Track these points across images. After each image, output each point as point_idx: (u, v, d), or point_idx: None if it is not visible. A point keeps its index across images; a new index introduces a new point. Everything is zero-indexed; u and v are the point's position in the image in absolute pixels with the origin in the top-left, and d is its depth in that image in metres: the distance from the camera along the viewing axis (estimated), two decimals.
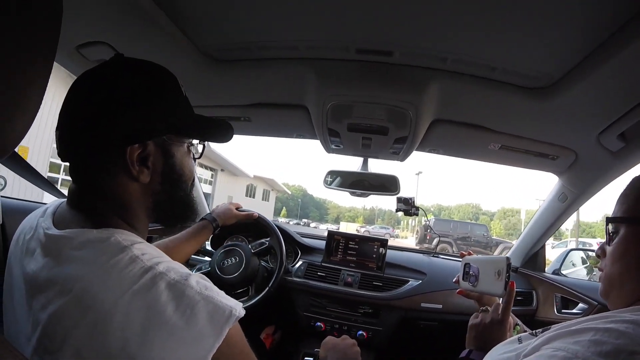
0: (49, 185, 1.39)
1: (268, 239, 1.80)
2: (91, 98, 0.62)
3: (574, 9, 0.67)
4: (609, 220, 0.74)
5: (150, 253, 0.57)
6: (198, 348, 0.52)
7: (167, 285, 0.53)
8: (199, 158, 0.78)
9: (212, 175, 20.92)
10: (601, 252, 0.78)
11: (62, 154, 0.64)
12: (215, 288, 0.58)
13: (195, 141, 0.76)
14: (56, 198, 0.93)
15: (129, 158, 0.61)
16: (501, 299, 0.95)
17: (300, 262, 1.96)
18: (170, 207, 0.71)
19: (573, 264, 2.08)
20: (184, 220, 0.77)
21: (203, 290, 0.55)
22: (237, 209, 1.54)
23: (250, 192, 28.97)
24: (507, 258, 0.92)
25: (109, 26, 0.87)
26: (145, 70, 0.68)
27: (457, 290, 1.08)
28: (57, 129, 0.64)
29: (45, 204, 0.78)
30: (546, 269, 1.96)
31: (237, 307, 0.57)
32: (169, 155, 0.68)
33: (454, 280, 1.10)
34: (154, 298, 0.51)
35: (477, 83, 0.95)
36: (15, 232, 0.71)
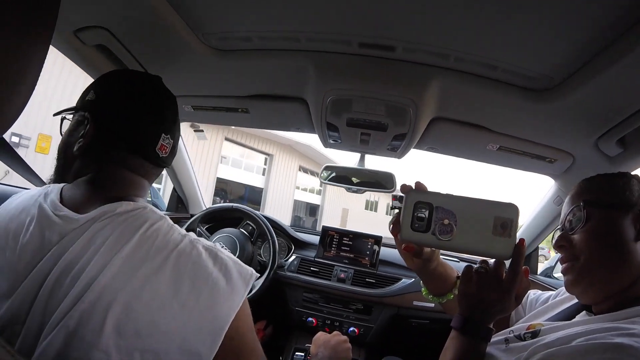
0: (34, 175, 1.37)
1: (253, 223, 1.89)
2: (133, 101, 0.74)
3: (579, 12, 0.67)
4: (588, 203, 0.73)
5: (176, 225, 0.68)
6: (235, 296, 0.63)
7: (204, 247, 0.65)
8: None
9: (321, 185, 18.33)
10: (566, 242, 0.76)
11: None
12: (234, 256, 0.69)
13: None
14: None
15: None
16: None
17: (293, 257, 1.96)
18: None
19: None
20: None
21: (229, 255, 0.68)
22: None
23: (371, 205, 26.23)
24: (516, 206, 0.67)
25: (108, 11, 0.86)
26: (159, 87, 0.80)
27: (403, 246, 0.75)
28: None
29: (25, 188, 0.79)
30: (538, 271, 1.97)
31: (253, 270, 0.69)
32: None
33: (390, 228, 0.77)
34: (197, 255, 0.62)
35: (478, 82, 0.94)
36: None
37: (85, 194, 0.69)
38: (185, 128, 1.64)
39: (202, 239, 0.66)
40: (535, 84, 0.92)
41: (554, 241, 0.81)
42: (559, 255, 1.84)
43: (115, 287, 0.55)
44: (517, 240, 0.65)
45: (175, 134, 0.79)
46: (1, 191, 1.30)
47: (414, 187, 0.71)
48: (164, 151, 0.76)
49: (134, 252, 0.58)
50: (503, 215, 0.65)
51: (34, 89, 0.38)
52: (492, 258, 0.70)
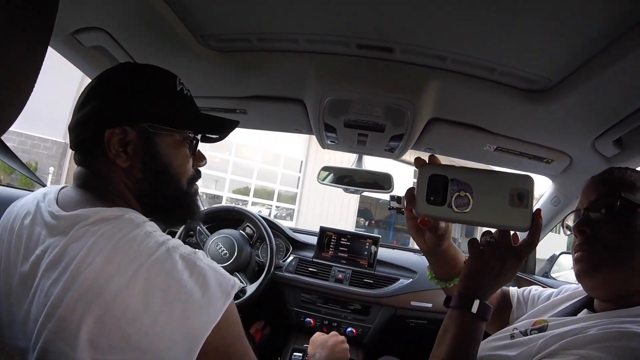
0: (33, 175, 1.37)
1: (252, 225, 1.88)
2: (87, 91, 0.71)
3: (576, 15, 0.67)
4: (625, 194, 0.70)
5: (159, 230, 0.63)
6: (210, 309, 0.59)
7: (181, 256, 0.60)
8: (193, 154, 0.78)
9: None
10: (589, 227, 0.73)
11: (70, 143, 0.72)
12: (216, 263, 0.65)
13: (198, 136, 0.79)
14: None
15: (106, 141, 0.66)
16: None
17: (291, 257, 1.97)
18: (156, 199, 0.73)
19: (562, 267, 2.10)
20: (177, 219, 0.81)
21: (210, 263, 0.63)
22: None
23: None
24: (531, 177, 0.66)
25: (106, 12, 0.86)
26: (138, 67, 0.76)
27: (419, 220, 0.72)
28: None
29: (31, 191, 0.78)
30: (536, 271, 1.97)
31: (236, 280, 0.65)
32: (151, 144, 0.70)
33: (404, 201, 0.74)
34: (172, 265, 0.58)
35: (476, 83, 0.94)
36: (4, 219, 0.72)
37: (74, 195, 0.68)
38: None
39: (182, 247, 0.62)
40: (533, 86, 0.92)
41: (571, 223, 0.78)
42: (555, 256, 1.82)
43: (86, 300, 0.53)
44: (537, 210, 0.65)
45: None
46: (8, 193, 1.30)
47: (427, 161, 0.70)
48: None
49: (105, 265, 0.55)
50: (519, 187, 0.64)
51: (32, 90, 0.38)
52: (509, 229, 0.69)
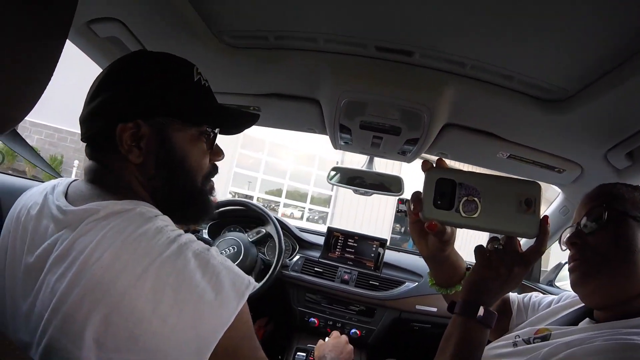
0: (49, 167, 1.38)
1: (265, 227, 1.82)
2: (100, 81, 0.67)
3: (596, 27, 0.67)
4: (611, 206, 0.73)
5: (172, 225, 0.60)
6: (223, 311, 0.56)
7: (194, 254, 0.56)
8: (210, 149, 0.75)
9: None
10: (579, 239, 0.76)
11: (81, 134, 0.69)
12: (230, 261, 0.62)
13: (216, 130, 0.75)
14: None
15: (118, 135, 0.63)
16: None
17: (297, 257, 1.97)
18: (170, 196, 0.70)
19: (567, 277, 2.10)
20: (191, 217, 0.77)
21: (224, 262, 0.59)
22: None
23: None
24: (539, 184, 0.65)
25: (122, 2, 0.86)
26: (152, 57, 0.70)
27: (426, 225, 0.68)
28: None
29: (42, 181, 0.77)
30: (540, 279, 1.97)
31: (252, 279, 0.61)
32: (166, 139, 0.67)
33: (410, 204, 0.72)
34: (183, 264, 0.55)
35: (493, 91, 0.94)
36: (12, 209, 0.70)
37: (84, 190, 0.66)
38: None
39: (195, 243, 0.58)
40: (549, 95, 0.92)
41: (565, 238, 0.80)
42: (559, 265, 1.83)
43: (93, 298, 0.51)
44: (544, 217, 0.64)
45: None
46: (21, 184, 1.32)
47: (434, 165, 0.69)
48: None
49: (113, 261, 0.52)
50: (527, 193, 0.64)
51: (49, 81, 0.38)
52: (517, 236, 0.68)
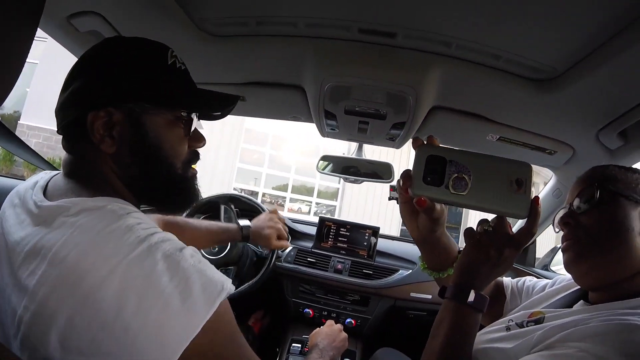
0: (40, 159, 1.36)
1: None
2: (72, 68, 0.65)
3: (583, 2, 0.66)
4: (602, 186, 0.72)
5: (146, 223, 0.57)
6: (191, 318, 0.52)
7: (163, 255, 0.53)
8: (188, 134, 0.72)
9: None
10: (572, 219, 0.75)
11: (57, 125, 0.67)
12: (207, 262, 0.58)
13: (192, 116, 0.73)
14: None
15: (88, 124, 0.61)
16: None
17: (290, 247, 1.95)
18: (148, 186, 0.68)
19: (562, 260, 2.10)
20: (175, 205, 0.74)
21: (196, 263, 0.56)
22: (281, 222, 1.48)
23: None
24: (530, 165, 0.65)
25: None
26: (124, 41, 0.67)
27: (415, 200, 0.67)
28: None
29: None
30: (536, 264, 1.97)
31: (227, 283, 0.58)
32: (139, 125, 0.64)
33: (400, 181, 0.70)
34: (150, 267, 0.52)
35: (480, 71, 0.93)
36: (3, 206, 0.69)
37: (61, 184, 0.64)
38: None
39: (167, 243, 0.55)
40: (538, 74, 0.91)
41: (558, 218, 0.80)
42: (555, 249, 1.83)
43: (58, 297, 0.49)
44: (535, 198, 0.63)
45: None
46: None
47: (425, 142, 0.68)
48: None
49: (79, 260, 0.50)
50: (517, 173, 0.63)
51: (19, 73, 0.37)
52: (507, 216, 0.68)
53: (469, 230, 0.71)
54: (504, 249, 0.66)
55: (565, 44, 0.78)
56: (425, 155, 0.66)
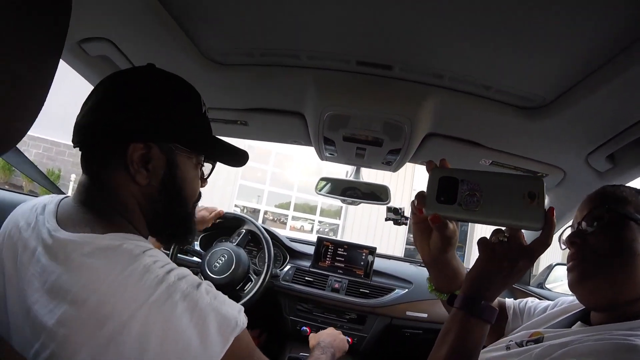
0: (49, 182, 1.37)
1: (242, 227, 1.85)
2: (111, 92, 0.66)
3: (569, 36, 0.69)
4: (613, 207, 0.72)
5: (161, 260, 0.59)
6: (208, 355, 0.55)
7: (182, 296, 0.55)
8: (206, 178, 0.79)
9: None
10: (580, 239, 0.75)
11: (75, 139, 0.67)
12: (222, 296, 0.61)
13: (206, 164, 0.79)
14: None
15: (129, 155, 0.63)
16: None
17: (288, 266, 1.97)
18: (167, 221, 0.72)
19: (558, 278, 2.11)
20: (180, 239, 0.78)
21: (212, 301, 0.58)
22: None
23: None
24: (542, 179, 0.65)
25: (112, 24, 0.87)
26: (167, 79, 0.70)
27: (430, 217, 0.68)
28: (78, 116, 0.66)
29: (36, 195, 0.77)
30: (531, 282, 1.99)
31: (240, 317, 0.60)
32: (173, 165, 0.68)
33: (415, 202, 0.72)
34: (170, 310, 0.53)
35: (472, 100, 0.96)
36: (4, 226, 0.70)
37: (73, 213, 0.64)
38: None
39: (184, 281, 0.57)
40: (528, 103, 0.94)
41: (563, 237, 0.80)
42: (550, 267, 1.84)
43: (78, 341, 0.50)
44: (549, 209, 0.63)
45: None
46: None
47: (438, 165, 0.70)
48: None
49: (98, 305, 0.51)
50: (530, 186, 0.63)
51: (43, 102, 0.37)
52: (521, 228, 0.66)
53: (483, 240, 0.69)
54: (518, 259, 0.64)
55: (553, 75, 0.81)
56: (437, 177, 0.68)
